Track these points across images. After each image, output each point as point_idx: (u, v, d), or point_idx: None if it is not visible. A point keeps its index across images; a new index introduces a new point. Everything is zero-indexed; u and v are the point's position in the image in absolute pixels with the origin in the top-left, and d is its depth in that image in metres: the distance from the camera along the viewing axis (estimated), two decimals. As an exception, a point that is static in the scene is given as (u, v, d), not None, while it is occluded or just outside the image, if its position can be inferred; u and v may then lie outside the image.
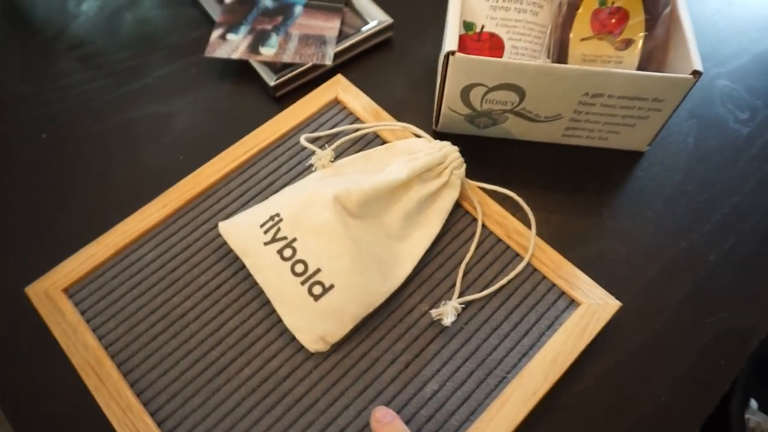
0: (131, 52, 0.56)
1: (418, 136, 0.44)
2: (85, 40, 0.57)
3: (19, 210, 0.46)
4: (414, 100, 0.52)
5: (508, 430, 0.35)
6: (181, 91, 0.53)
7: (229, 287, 0.41)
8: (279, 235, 0.39)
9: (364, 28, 0.54)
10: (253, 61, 0.52)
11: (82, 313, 0.40)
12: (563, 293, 0.40)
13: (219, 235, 0.42)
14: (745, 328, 0.41)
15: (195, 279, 0.41)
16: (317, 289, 0.37)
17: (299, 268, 0.38)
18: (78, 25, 0.58)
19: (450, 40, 0.41)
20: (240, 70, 0.53)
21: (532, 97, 0.43)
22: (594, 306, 0.39)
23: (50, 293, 0.40)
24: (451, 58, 0.41)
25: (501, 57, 0.45)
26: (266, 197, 0.44)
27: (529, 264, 0.41)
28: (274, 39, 0.53)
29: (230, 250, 0.42)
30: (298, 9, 0.55)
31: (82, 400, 0.37)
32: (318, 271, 0.38)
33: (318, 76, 0.53)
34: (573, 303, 0.40)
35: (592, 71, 0.41)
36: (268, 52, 0.52)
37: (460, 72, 0.42)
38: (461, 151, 0.42)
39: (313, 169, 0.44)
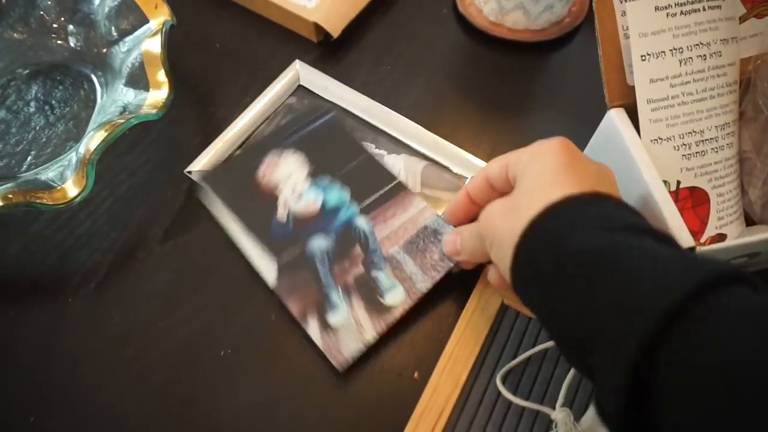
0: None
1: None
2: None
3: None
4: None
5: None
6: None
7: None
8: None
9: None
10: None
11: None
12: None
13: None
14: None
15: None
16: None
17: None
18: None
19: (683, 236, 0.30)
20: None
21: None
22: None
23: None
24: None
25: (708, 212, 0.35)
26: None
27: None
28: (384, 277, 0.37)
29: None
30: (362, 222, 0.40)
31: None
32: None
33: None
34: None
35: None
36: (394, 300, 0.37)
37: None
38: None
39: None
